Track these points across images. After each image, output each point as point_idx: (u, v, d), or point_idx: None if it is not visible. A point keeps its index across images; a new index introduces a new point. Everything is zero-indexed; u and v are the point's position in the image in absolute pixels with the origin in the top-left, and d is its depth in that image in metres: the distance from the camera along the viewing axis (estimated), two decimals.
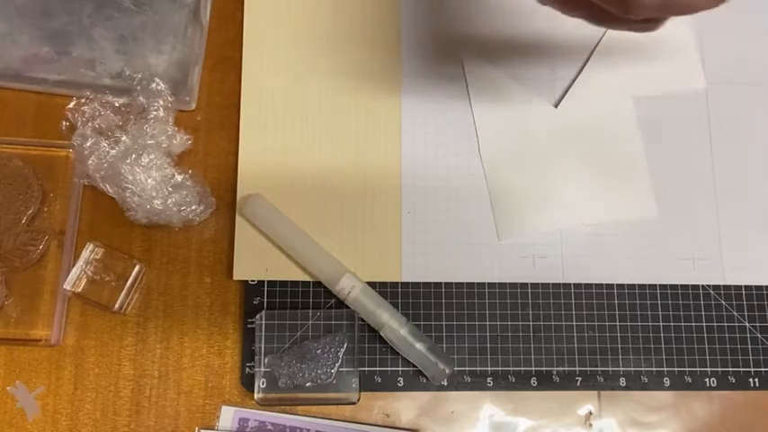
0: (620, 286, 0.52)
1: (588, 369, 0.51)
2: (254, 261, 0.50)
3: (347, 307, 0.49)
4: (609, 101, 0.55)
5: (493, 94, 0.54)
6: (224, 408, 0.49)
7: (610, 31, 0.56)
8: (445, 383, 0.50)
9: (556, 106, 0.54)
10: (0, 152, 0.51)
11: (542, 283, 0.52)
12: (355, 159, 0.53)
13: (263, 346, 0.49)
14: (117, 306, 0.48)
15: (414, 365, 0.49)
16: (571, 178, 0.53)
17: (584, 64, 0.55)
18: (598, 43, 0.56)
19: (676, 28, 0.56)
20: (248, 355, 0.50)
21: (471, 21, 0.55)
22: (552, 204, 0.53)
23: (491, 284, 0.52)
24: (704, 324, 0.52)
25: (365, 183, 0.52)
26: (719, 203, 0.53)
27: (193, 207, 0.49)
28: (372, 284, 0.50)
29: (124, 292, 0.49)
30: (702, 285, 0.52)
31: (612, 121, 0.54)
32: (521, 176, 0.53)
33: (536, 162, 0.53)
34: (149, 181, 0.47)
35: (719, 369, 0.51)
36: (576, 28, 0.55)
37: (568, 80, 0.55)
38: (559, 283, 0.52)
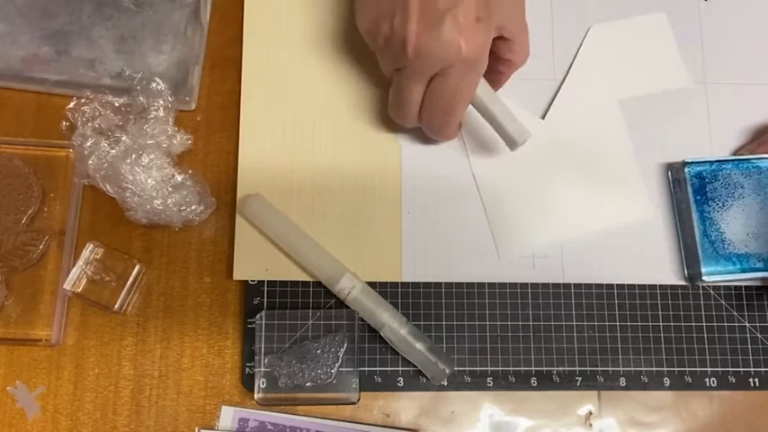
0: (620, 286, 0.52)
1: (588, 369, 0.51)
2: (254, 261, 0.50)
3: (347, 307, 0.49)
4: (595, 107, 0.55)
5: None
6: (224, 408, 0.49)
7: (589, 37, 0.55)
8: (445, 383, 0.50)
9: (543, 117, 0.54)
10: (0, 152, 0.51)
11: (542, 283, 0.52)
12: (355, 159, 0.53)
13: (263, 346, 0.49)
14: (117, 306, 0.48)
15: (414, 365, 0.49)
16: (566, 189, 0.53)
17: (567, 74, 0.55)
18: (578, 52, 0.55)
19: (655, 29, 0.56)
20: (248, 355, 0.50)
21: None
22: (549, 219, 0.52)
23: (491, 284, 0.52)
24: (704, 324, 0.52)
25: (365, 183, 0.52)
26: None
27: (193, 207, 0.49)
28: (372, 284, 0.50)
29: (124, 292, 0.49)
30: (702, 285, 0.52)
31: (601, 127, 0.54)
32: (515, 193, 0.53)
33: (529, 176, 0.53)
34: (149, 181, 0.47)
35: (719, 369, 0.51)
36: (558, 38, 0.55)
37: (553, 91, 0.55)
38: (559, 283, 0.52)
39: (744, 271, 0.51)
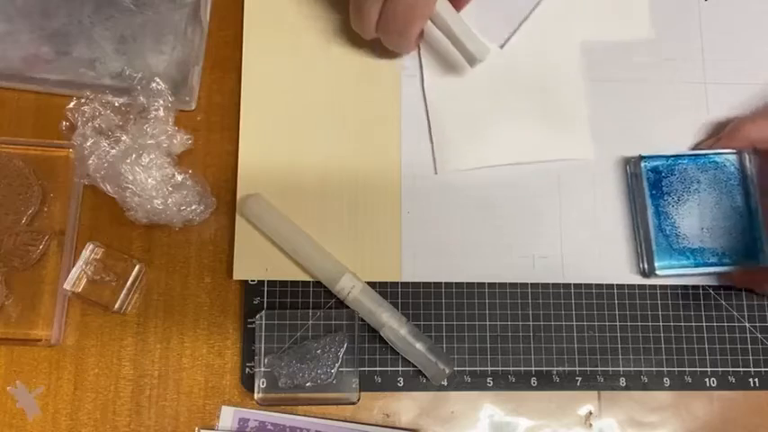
0: (620, 286, 0.52)
1: (588, 369, 0.51)
2: (254, 261, 0.50)
3: (347, 307, 0.49)
4: (555, 45, 0.55)
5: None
6: (224, 408, 0.49)
7: None
8: (445, 383, 0.50)
9: (501, 47, 0.55)
10: (0, 152, 0.51)
11: (542, 283, 0.52)
12: (355, 159, 0.53)
13: (263, 346, 0.49)
14: (117, 306, 0.48)
15: (414, 365, 0.49)
16: (511, 117, 0.54)
17: (535, 7, 0.55)
18: None
19: None
20: (248, 355, 0.50)
21: None
22: (490, 141, 0.53)
23: (491, 284, 0.52)
24: (704, 324, 0.52)
25: (365, 183, 0.52)
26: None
27: (193, 207, 0.49)
28: (372, 284, 0.50)
29: (124, 292, 0.49)
30: (702, 285, 0.52)
31: (557, 65, 0.55)
32: (461, 113, 0.54)
33: (477, 100, 0.54)
34: (149, 181, 0.47)
35: (719, 369, 0.51)
36: None
37: (518, 22, 0.55)
38: (559, 283, 0.52)
39: (697, 265, 0.51)
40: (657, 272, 0.51)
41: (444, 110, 0.53)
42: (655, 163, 0.52)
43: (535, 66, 0.55)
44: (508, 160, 0.53)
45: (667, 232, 0.51)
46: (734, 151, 0.52)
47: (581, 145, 0.54)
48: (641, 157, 0.52)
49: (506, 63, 0.54)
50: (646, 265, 0.52)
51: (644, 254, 0.52)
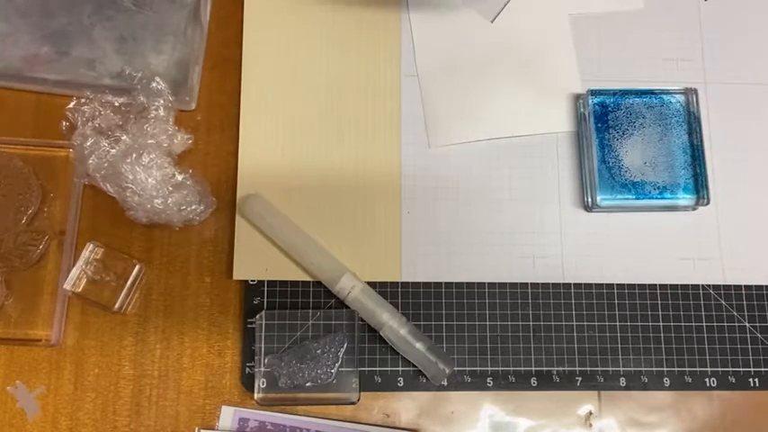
0: (620, 286, 0.52)
1: (588, 369, 0.51)
2: (254, 261, 0.50)
3: (347, 307, 0.49)
4: (545, 18, 0.56)
5: (432, 3, 0.55)
6: (224, 408, 0.49)
7: None
8: (445, 383, 0.50)
9: (492, 21, 0.55)
10: (0, 152, 0.51)
11: (542, 283, 0.52)
12: (355, 159, 0.53)
13: (263, 346, 0.49)
14: (117, 306, 0.48)
15: (414, 365, 0.49)
16: (503, 92, 0.54)
17: None
18: None
19: None
20: (248, 355, 0.50)
21: None
22: (483, 116, 0.54)
23: (491, 284, 0.52)
24: (704, 324, 0.52)
25: (365, 183, 0.52)
26: (719, 204, 0.53)
27: (194, 207, 0.49)
28: (372, 284, 0.50)
29: (124, 292, 0.49)
30: (702, 285, 0.52)
31: (547, 38, 0.56)
32: (454, 87, 0.54)
33: (470, 74, 0.54)
34: (150, 180, 0.47)
35: (719, 369, 0.51)
36: None
37: None
38: (559, 283, 0.52)
39: (638, 198, 0.52)
40: (600, 203, 0.52)
41: (436, 85, 0.54)
42: (602, 97, 0.53)
43: (526, 39, 0.55)
44: (499, 134, 0.53)
45: (610, 164, 0.52)
46: (681, 89, 0.53)
47: (573, 120, 0.54)
48: (590, 92, 0.53)
49: (497, 37, 0.55)
50: (590, 199, 0.52)
51: (588, 187, 0.53)
